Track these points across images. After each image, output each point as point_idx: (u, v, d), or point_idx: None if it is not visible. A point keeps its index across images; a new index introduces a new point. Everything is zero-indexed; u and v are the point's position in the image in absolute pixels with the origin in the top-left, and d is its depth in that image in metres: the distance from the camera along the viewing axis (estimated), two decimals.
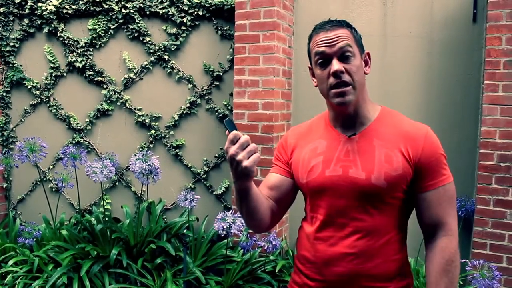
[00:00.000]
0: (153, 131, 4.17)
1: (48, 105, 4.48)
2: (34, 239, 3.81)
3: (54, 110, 4.45)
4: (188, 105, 4.05)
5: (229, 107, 3.92)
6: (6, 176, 4.67)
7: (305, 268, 1.48)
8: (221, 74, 3.95)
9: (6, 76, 4.56)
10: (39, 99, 4.50)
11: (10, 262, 3.74)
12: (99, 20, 4.22)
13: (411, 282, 1.46)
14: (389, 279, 1.38)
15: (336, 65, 1.32)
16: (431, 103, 3.51)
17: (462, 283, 3.30)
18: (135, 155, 3.56)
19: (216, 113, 3.98)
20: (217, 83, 3.97)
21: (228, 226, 3.22)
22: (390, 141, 1.36)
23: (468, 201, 3.39)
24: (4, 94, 4.57)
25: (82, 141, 4.40)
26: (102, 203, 4.26)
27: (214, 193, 4.10)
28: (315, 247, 1.42)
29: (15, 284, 3.56)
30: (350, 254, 1.35)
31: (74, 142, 4.40)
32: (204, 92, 4.01)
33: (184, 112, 4.07)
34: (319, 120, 1.53)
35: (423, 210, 1.38)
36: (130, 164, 3.53)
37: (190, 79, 4.03)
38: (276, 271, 3.49)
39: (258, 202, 1.40)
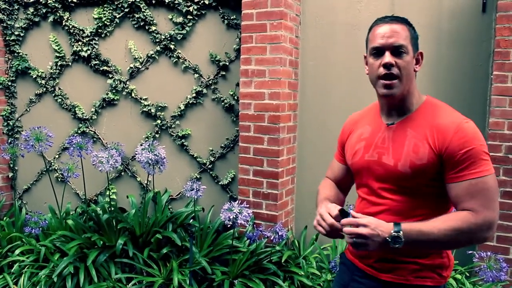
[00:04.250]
0: (158, 121, 4.16)
1: (53, 94, 4.47)
2: (40, 228, 3.82)
3: (60, 100, 4.44)
4: (194, 94, 4.03)
5: (235, 97, 3.90)
6: (11, 165, 4.67)
7: None
8: (227, 63, 3.92)
9: (11, 65, 4.55)
10: (44, 89, 4.49)
11: (17, 252, 3.76)
12: (105, 8, 4.20)
13: (446, 263, 1.54)
14: (412, 255, 1.49)
15: (387, 57, 1.45)
16: (439, 94, 3.48)
17: (468, 275, 3.29)
18: (141, 145, 3.55)
19: (222, 103, 3.96)
20: (223, 73, 3.95)
21: (234, 217, 3.21)
22: (422, 132, 1.45)
23: None
24: (9, 83, 4.57)
25: (87, 131, 4.40)
26: (107, 193, 4.26)
27: (219, 183, 4.09)
28: None
29: (22, 273, 3.58)
30: None
31: (79, 131, 4.39)
32: (210, 82, 3.99)
33: (190, 102, 4.06)
34: (371, 107, 1.70)
35: (452, 201, 1.44)
36: (136, 154, 3.52)
37: (196, 69, 4.01)
38: (282, 261, 3.49)
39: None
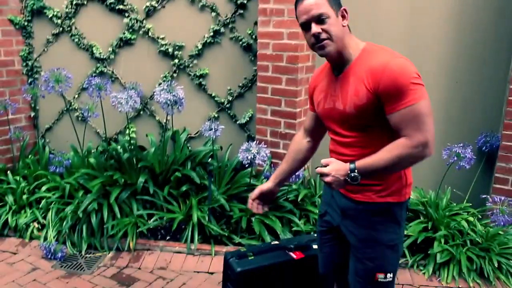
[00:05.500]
0: (176, 60, 4.14)
1: (70, 34, 4.44)
2: (64, 168, 3.93)
3: (76, 40, 4.42)
4: (211, 34, 3.98)
5: (253, 36, 3.84)
6: (33, 105, 4.74)
7: None
8: (245, 2, 3.82)
9: (26, 4, 4.49)
10: (61, 28, 4.46)
11: (43, 188, 3.91)
12: None
13: (404, 183, 1.79)
14: (375, 180, 1.77)
15: (314, 28, 1.70)
16: (463, 38, 3.40)
17: (480, 217, 3.35)
18: (160, 85, 3.56)
19: (240, 42, 3.91)
20: (241, 12, 3.87)
21: (252, 157, 3.27)
22: (360, 77, 1.68)
23: (493, 136, 3.36)
24: (26, 23, 4.52)
25: (105, 71, 4.40)
26: (127, 132, 4.34)
27: (237, 122, 4.13)
28: (330, 157, 1.85)
29: (49, 208, 3.74)
30: (344, 160, 1.71)
31: (97, 71, 4.40)
32: (228, 21, 3.92)
33: (208, 41, 4.01)
34: (326, 63, 1.92)
35: (394, 130, 1.65)
36: (155, 95, 3.54)
37: (213, 7, 3.93)
38: (298, 200, 3.58)
39: (296, 167, 2.17)
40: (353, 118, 1.72)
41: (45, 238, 3.58)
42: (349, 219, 1.87)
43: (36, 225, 3.76)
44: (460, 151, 3.20)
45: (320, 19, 1.69)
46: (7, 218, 3.77)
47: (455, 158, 3.20)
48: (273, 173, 3.50)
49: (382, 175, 1.72)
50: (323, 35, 1.70)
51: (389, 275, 1.83)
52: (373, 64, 1.65)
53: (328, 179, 1.66)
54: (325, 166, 1.68)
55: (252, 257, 2.30)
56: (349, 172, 1.64)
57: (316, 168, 1.71)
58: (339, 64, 1.78)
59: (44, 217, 3.75)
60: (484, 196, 3.14)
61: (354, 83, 1.70)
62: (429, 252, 3.17)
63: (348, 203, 1.83)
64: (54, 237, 3.56)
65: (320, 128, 2.06)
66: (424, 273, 3.14)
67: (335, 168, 1.66)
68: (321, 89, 1.89)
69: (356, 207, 1.82)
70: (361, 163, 1.64)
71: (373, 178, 1.72)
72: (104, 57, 4.37)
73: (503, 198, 2.92)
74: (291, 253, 2.36)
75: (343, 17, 1.74)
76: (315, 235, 2.55)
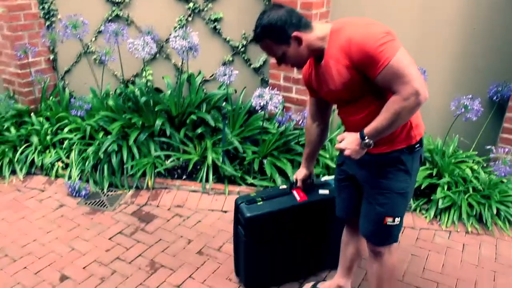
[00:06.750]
0: (191, 4, 4.14)
1: None
2: (85, 111, 4.08)
3: None
4: None
5: None
6: (51, 48, 4.82)
7: None
8: None
9: None
10: None
11: (66, 130, 4.08)
12: None
13: (408, 127, 1.92)
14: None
15: (277, 61, 1.94)
16: None
17: (485, 165, 3.44)
18: (175, 30, 3.60)
19: None
20: None
21: (265, 103, 3.36)
22: (336, 58, 1.81)
23: (505, 86, 3.38)
24: None
25: (121, 14, 4.42)
26: (144, 75, 4.43)
27: (251, 66, 4.18)
28: (342, 122, 2.12)
29: (72, 149, 3.93)
30: (356, 124, 1.93)
31: (113, 15, 4.43)
32: None
33: None
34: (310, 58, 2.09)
35: (383, 90, 1.78)
36: (170, 41, 3.59)
37: None
38: None
39: (316, 148, 2.40)
40: (348, 93, 1.87)
41: (70, 177, 3.79)
42: (365, 169, 2.05)
43: (61, 164, 3.97)
44: (467, 103, 3.22)
45: (276, 58, 1.91)
46: (33, 158, 3.99)
47: (463, 110, 3.24)
48: (285, 118, 3.65)
49: (389, 132, 1.82)
50: (285, 63, 1.94)
51: (397, 219, 2.03)
52: (341, 42, 1.77)
53: (346, 152, 1.84)
54: (341, 141, 1.86)
55: (261, 203, 2.45)
56: (361, 141, 1.80)
57: (334, 146, 1.88)
58: (317, 55, 1.92)
59: (68, 157, 3.95)
60: (489, 147, 3.21)
61: (334, 65, 1.82)
62: (431, 197, 3.30)
63: (366, 157, 1.95)
64: (77, 176, 3.78)
65: (323, 111, 2.26)
66: (425, 217, 3.30)
67: (349, 141, 1.84)
68: (314, 78, 2.04)
69: (370, 158, 1.96)
70: (368, 129, 1.79)
71: (384, 135, 1.84)
72: (120, 0, 4.38)
73: (507, 149, 2.99)
74: (295, 192, 2.50)
75: (297, 42, 1.84)
76: (322, 179, 2.69)
